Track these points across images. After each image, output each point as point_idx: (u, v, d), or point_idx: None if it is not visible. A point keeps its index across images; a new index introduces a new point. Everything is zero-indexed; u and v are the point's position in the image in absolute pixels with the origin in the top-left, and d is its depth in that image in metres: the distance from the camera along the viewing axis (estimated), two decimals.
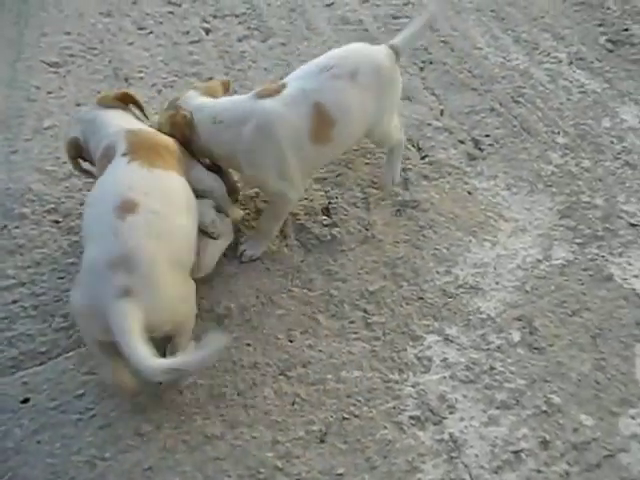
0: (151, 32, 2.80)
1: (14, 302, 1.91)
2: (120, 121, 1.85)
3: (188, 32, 2.80)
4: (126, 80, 2.58)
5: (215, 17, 2.87)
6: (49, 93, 2.53)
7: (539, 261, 2.00)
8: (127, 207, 1.57)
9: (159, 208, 1.60)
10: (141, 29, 2.82)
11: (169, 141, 1.83)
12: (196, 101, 1.92)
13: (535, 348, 1.81)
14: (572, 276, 1.97)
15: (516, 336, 1.84)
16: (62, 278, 1.96)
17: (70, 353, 1.81)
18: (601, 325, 1.85)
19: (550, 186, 2.21)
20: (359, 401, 1.72)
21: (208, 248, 1.87)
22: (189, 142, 1.87)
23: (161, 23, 2.84)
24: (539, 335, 1.83)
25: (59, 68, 2.63)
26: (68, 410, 1.71)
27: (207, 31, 2.81)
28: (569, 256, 2.01)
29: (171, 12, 2.90)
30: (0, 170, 2.27)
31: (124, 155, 1.71)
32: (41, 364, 1.80)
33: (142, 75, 2.60)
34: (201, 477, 1.60)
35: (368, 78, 1.91)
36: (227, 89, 2.08)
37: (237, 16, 2.88)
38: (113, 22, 2.85)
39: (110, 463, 1.62)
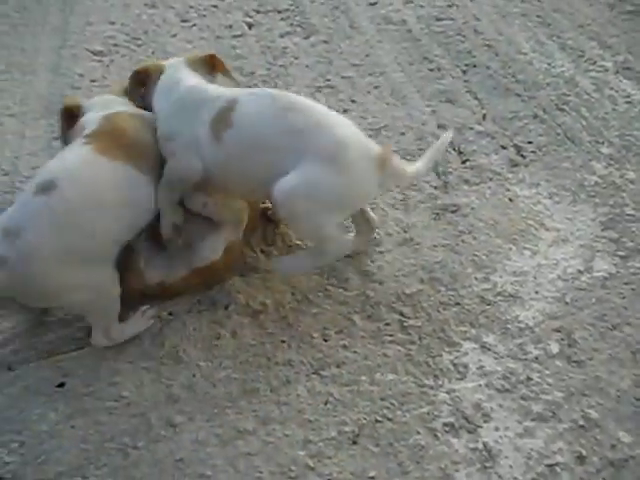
0: (194, 25, 2.81)
1: None
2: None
3: (231, 26, 2.80)
4: None
5: (258, 12, 2.88)
6: (92, 81, 2.55)
7: (580, 272, 1.97)
8: (46, 186, 1.62)
9: (75, 200, 1.62)
10: (184, 21, 2.83)
11: (147, 140, 1.80)
12: (179, 64, 1.88)
13: (574, 361, 1.77)
14: (614, 289, 1.93)
15: (555, 348, 1.80)
16: None
17: None
18: None
19: (593, 197, 2.17)
20: (393, 404, 1.70)
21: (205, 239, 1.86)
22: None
23: (204, 16, 2.85)
24: (578, 348, 1.80)
25: (103, 57, 2.66)
26: (102, 397, 1.72)
27: (250, 26, 2.82)
28: (611, 269, 1.97)
29: (215, 5, 2.91)
30: (43, 155, 2.30)
31: (85, 137, 1.74)
32: (77, 349, 1.81)
33: None
34: (232, 471, 1.60)
35: (306, 145, 1.65)
36: (213, 66, 1.92)
37: (280, 12, 2.88)
38: (157, 13, 2.87)
39: (142, 452, 1.63)
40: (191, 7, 2.90)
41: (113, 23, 2.81)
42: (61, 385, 1.75)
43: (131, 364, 1.78)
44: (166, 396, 1.72)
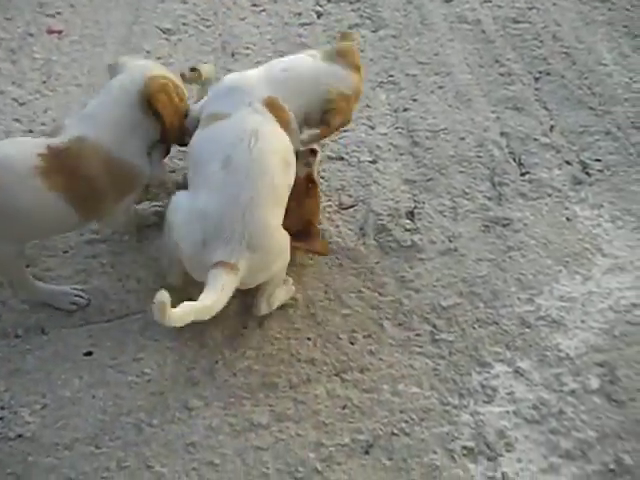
0: (264, 10, 2.79)
1: (94, 257, 1.96)
2: None
3: (300, 14, 2.76)
4: (232, 55, 2.58)
5: (329, 1, 2.82)
6: (158, 58, 2.57)
7: (634, 306, 1.83)
8: None
9: None
10: (255, 6, 2.81)
11: None
12: None
13: (614, 400, 1.65)
14: None
15: (594, 383, 1.68)
16: (141, 242, 1.99)
17: (137, 315, 1.84)
18: None
19: None
20: (412, 419, 1.64)
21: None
22: None
23: (275, 2, 2.82)
24: (620, 386, 1.67)
25: (171, 35, 2.68)
26: (125, 371, 1.74)
27: (319, 14, 2.77)
28: None
29: None
30: None
31: None
32: (108, 321, 1.84)
33: (248, 52, 2.59)
34: (240, 463, 1.58)
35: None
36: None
37: (351, 2, 2.82)
38: None
39: (156, 430, 1.64)
40: None
41: (185, 2, 2.82)
42: (89, 354, 1.78)
43: (157, 342, 1.79)
44: (186, 378, 1.72)
